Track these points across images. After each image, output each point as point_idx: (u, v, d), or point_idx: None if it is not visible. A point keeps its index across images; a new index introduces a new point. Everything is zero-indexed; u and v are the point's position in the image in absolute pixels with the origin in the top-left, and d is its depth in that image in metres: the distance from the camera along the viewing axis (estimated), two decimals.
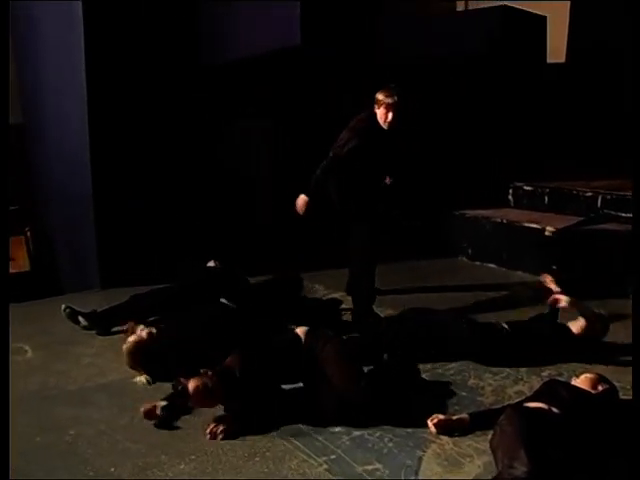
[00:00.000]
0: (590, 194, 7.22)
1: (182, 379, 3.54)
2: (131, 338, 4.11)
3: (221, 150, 6.89)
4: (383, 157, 5.09)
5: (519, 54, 8.47)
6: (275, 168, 7.20)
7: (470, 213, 6.68)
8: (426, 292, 5.86)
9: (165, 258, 6.06)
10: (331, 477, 3.08)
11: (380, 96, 4.84)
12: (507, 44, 8.33)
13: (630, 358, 4.26)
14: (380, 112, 4.87)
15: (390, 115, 4.82)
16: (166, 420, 3.61)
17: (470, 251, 7.11)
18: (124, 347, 4.10)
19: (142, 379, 4.02)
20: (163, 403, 3.67)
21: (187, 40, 6.53)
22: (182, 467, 3.19)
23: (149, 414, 3.58)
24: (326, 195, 5.09)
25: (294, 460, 3.24)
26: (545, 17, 8.99)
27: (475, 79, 7.97)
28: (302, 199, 4.89)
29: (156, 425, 3.58)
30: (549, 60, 9.37)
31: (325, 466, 3.18)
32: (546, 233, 6.53)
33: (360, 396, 3.57)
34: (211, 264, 5.59)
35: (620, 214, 6.91)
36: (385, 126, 4.88)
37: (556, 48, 9.81)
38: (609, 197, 7.08)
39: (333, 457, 3.25)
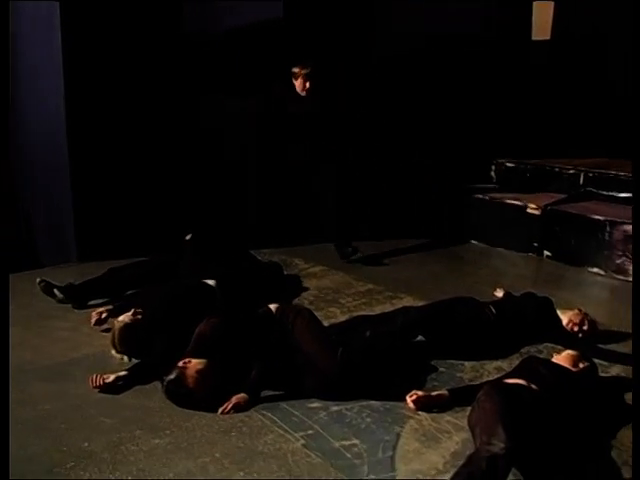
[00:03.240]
0: (572, 171, 7.22)
1: (178, 364, 3.49)
2: (118, 324, 4.03)
3: (205, 123, 6.77)
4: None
5: (504, 30, 8.40)
6: (259, 144, 7.09)
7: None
8: (412, 268, 5.85)
9: (143, 232, 5.96)
10: (308, 452, 3.05)
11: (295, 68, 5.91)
12: (494, 23, 8.27)
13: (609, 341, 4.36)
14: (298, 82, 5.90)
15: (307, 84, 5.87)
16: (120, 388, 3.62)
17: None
18: (112, 333, 4.02)
19: (119, 354, 3.96)
20: (123, 373, 3.66)
21: (170, 11, 6.40)
22: (157, 442, 3.14)
23: (100, 385, 3.59)
24: None
25: (270, 435, 3.20)
26: None
27: (461, 56, 7.90)
28: None
29: (102, 390, 3.58)
30: (534, 38, 9.30)
31: (302, 441, 3.14)
32: (528, 210, 6.52)
33: (335, 366, 3.54)
34: (188, 237, 5.52)
35: (602, 192, 6.92)
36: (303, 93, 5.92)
37: (542, 26, 9.76)
38: (591, 175, 7.08)
39: (310, 432, 3.22)
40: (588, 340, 4.24)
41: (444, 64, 7.72)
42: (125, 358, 3.96)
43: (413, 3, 7.57)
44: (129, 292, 4.91)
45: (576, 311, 4.38)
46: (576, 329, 4.27)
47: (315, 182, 6.08)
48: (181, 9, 6.46)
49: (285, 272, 5.62)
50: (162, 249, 5.33)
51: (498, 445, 2.62)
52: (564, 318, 4.33)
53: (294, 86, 5.98)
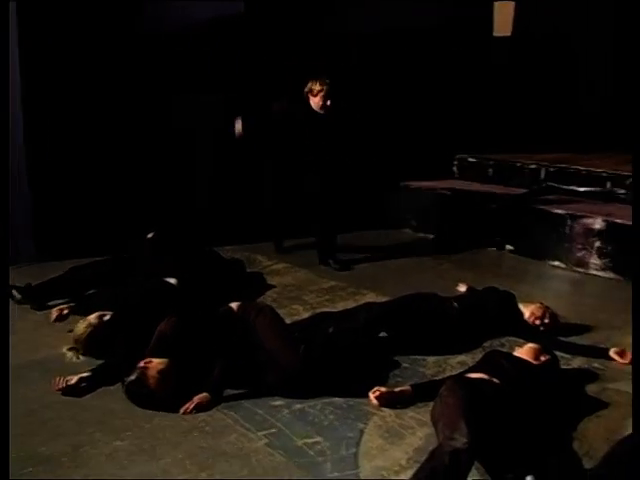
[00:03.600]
0: (534, 166, 7.29)
1: (139, 365, 3.44)
2: (82, 325, 3.96)
3: (164, 121, 6.70)
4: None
5: (465, 25, 8.43)
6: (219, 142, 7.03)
7: (414, 184, 6.66)
8: (373, 263, 5.85)
9: (102, 230, 5.88)
10: (271, 451, 3.02)
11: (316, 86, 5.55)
12: (455, 19, 8.29)
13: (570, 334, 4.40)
14: (316, 99, 5.57)
15: (328, 102, 5.54)
16: (84, 391, 3.56)
17: (414, 222, 7.12)
18: (75, 335, 3.94)
19: (70, 354, 3.87)
20: (86, 374, 3.61)
21: (129, 7, 6.31)
22: (118, 444, 3.09)
23: (63, 387, 3.52)
24: None
25: (233, 434, 3.17)
26: None
27: (422, 51, 7.92)
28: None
29: (65, 394, 3.50)
30: (495, 34, 9.36)
31: (265, 440, 3.11)
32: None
33: (297, 363, 3.52)
34: (150, 235, 5.45)
35: (562, 186, 7.00)
36: (322, 111, 5.60)
37: (503, 23, 9.82)
38: (552, 169, 7.16)
39: (273, 431, 3.19)
40: (550, 333, 4.28)
41: (408, 58, 7.74)
42: (74, 358, 3.86)
43: None
44: (89, 292, 4.83)
45: (538, 304, 4.42)
46: (538, 322, 4.30)
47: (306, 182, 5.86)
48: (141, 7, 6.37)
49: (248, 269, 5.59)
50: (122, 248, 5.25)
51: (460, 440, 2.62)
52: (526, 312, 4.36)
53: (304, 104, 5.67)
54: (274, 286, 5.29)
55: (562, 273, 5.97)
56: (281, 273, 5.61)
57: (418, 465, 2.72)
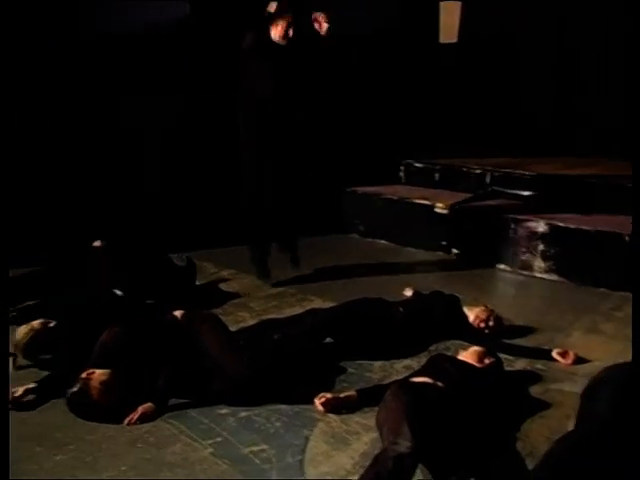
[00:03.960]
0: (479, 171, 7.37)
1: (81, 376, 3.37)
2: (24, 330, 3.87)
3: (112, 123, 6.60)
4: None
5: (412, 32, 8.52)
6: (165, 146, 6.97)
7: (361, 190, 6.69)
8: (321, 268, 5.83)
9: (46, 238, 5.75)
10: (216, 460, 2.99)
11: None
12: (401, 24, 8.37)
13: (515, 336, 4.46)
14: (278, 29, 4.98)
15: (291, 30, 4.96)
16: (33, 404, 3.48)
17: (362, 227, 7.14)
18: (15, 340, 3.85)
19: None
20: (32, 385, 3.53)
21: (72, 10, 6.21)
22: (59, 458, 3.03)
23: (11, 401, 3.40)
24: None
25: (178, 444, 3.13)
26: None
27: (369, 56, 7.97)
28: None
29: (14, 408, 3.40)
30: (442, 41, 9.47)
31: (210, 449, 3.09)
32: (436, 209, 6.62)
33: (242, 370, 3.50)
34: (97, 244, 5.37)
35: (507, 190, 7.09)
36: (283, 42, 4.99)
37: (449, 28, 9.94)
38: (497, 174, 7.25)
39: (219, 440, 3.16)
40: (494, 336, 4.32)
41: (354, 63, 7.78)
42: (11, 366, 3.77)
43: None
44: (30, 302, 4.72)
45: (482, 307, 4.47)
46: (482, 325, 4.35)
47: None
48: (88, 9, 6.30)
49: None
50: (64, 256, 5.15)
51: (404, 444, 2.63)
52: (471, 315, 4.40)
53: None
54: (221, 293, 5.25)
55: (507, 276, 6.05)
56: (228, 280, 5.57)
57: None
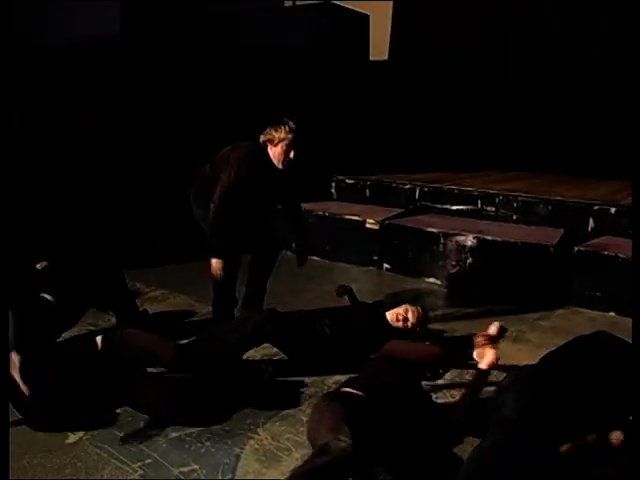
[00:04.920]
0: (409, 187, 7.50)
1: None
2: None
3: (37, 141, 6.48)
4: (269, 194, 4.83)
5: (342, 50, 8.63)
6: (100, 165, 6.86)
7: None
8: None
9: None
10: None
11: (282, 134, 4.51)
12: (330, 40, 8.48)
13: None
14: (277, 150, 4.54)
15: (292, 154, 4.54)
16: None
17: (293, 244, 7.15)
18: None
19: None
20: None
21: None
22: None
23: None
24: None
25: (107, 468, 3.09)
26: (368, 15, 9.24)
27: (299, 72, 8.04)
28: (216, 264, 4.53)
29: None
30: (372, 57, 9.63)
31: (140, 472, 3.05)
32: (367, 225, 6.70)
33: (173, 352, 3.54)
34: (40, 265, 5.22)
35: (436, 205, 7.24)
36: (282, 165, 4.59)
37: (379, 46, 10.12)
38: (426, 189, 7.39)
39: (149, 462, 3.13)
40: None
41: (284, 81, 7.83)
42: None
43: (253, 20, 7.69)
44: None
45: (401, 306, 4.48)
46: (401, 323, 4.35)
47: None
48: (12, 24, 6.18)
49: None
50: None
51: (346, 441, 2.66)
52: (389, 315, 4.42)
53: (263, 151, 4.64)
54: (151, 313, 5.19)
55: (438, 289, 6.16)
56: (159, 299, 5.52)
57: None
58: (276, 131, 4.52)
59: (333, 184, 7.94)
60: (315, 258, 6.93)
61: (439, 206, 7.25)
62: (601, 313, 5.56)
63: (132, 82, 6.62)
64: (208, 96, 6.98)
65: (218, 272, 4.53)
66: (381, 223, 6.69)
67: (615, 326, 5.21)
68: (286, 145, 4.51)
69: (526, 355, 4.51)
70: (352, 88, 8.70)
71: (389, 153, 9.17)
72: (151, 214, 6.64)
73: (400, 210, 7.18)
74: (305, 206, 7.12)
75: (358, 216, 6.87)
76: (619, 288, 5.50)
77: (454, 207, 7.17)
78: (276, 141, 4.52)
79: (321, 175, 7.78)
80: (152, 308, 5.28)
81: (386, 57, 10.71)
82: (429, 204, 7.32)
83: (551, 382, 2.97)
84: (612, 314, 5.52)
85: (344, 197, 7.82)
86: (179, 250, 6.19)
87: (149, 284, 5.82)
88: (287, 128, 4.51)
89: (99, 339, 3.74)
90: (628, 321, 5.22)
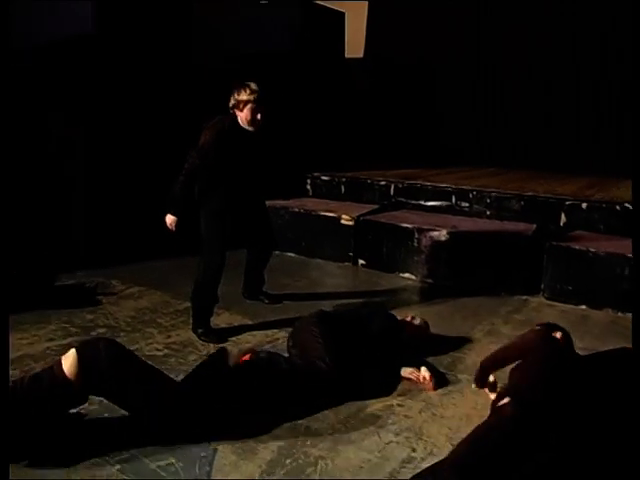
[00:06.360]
0: (384, 183, 7.56)
1: None
2: None
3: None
4: (246, 158, 4.79)
5: (318, 48, 8.67)
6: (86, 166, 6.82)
7: (269, 203, 6.71)
8: (228, 285, 5.83)
9: None
10: (123, 477, 2.97)
11: (244, 96, 4.59)
12: (306, 37, 8.50)
13: None
14: (245, 113, 4.61)
15: (259, 114, 4.62)
16: None
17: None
18: None
19: None
20: None
21: None
22: None
23: None
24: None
25: (85, 463, 3.09)
26: (343, 13, 9.28)
27: (275, 72, 8.06)
28: (171, 219, 4.61)
29: None
30: (347, 55, 9.68)
31: (117, 466, 3.06)
32: (342, 221, 6.75)
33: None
34: None
35: (410, 201, 7.30)
36: (252, 127, 4.67)
37: (354, 43, 10.17)
38: (400, 186, 7.45)
39: (126, 456, 3.13)
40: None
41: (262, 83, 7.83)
42: None
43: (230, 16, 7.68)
44: None
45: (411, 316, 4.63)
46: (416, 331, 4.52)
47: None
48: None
49: (102, 295, 5.47)
50: None
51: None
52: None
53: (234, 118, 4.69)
54: (128, 310, 5.18)
55: (412, 284, 6.22)
56: (135, 297, 5.51)
57: (272, 477, 2.78)
58: (239, 94, 4.61)
59: (309, 181, 7.98)
60: (291, 254, 6.98)
61: (413, 202, 7.32)
62: (573, 306, 5.63)
63: (112, 80, 6.61)
64: (184, 96, 6.98)
65: (171, 227, 4.63)
66: (356, 219, 6.73)
67: (586, 319, 5.33)
68: (251, 107, 4.59)
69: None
70: (327, 86, 8.73)
71: (364, 150, 9.22)
72: (127, 212, 6.62)
73: (375, 206, 7.22)
74: (281, 203, 7.22)
75: (333, 212, 6.90)
76: (590, 282, 5.60)
77: (428, 203, 7.24)
78: (241, 105, 4.61)
79: (297, 172, 7.81)
80: (128, 305, 5.30)
81: (362, 55, 10.78)
82: (404, 200, 7.38)
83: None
84: (583, 307, 5.60)
85: (320, 194, 7.86)
86: (155, 248, 6.17)
87: (125, 281, 5.82)
88: (249, 90, 4.60)
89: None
90: (599, 314, 5.40)
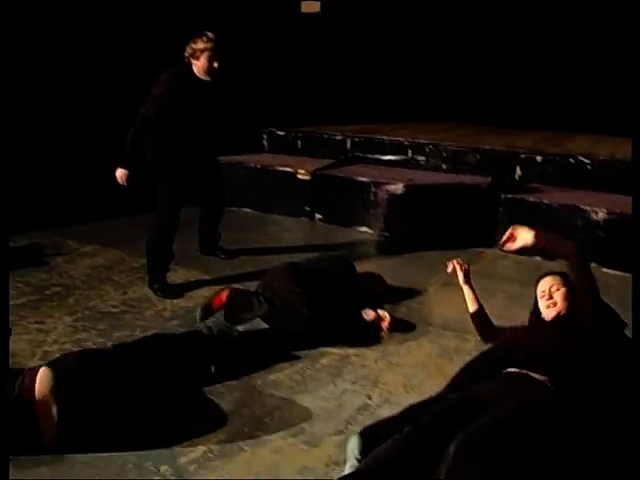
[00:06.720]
0: (340, 138, 7.54)
1: None
2: None
3: None
4: (201, 110, 4.71)
5: (273, 3, 8.52)
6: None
7: (225, 159, 6.67)
8: (185, 241, 5.80)
9: None
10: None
11: (200, 45, 4.50)
12: None
13: None
14: (201, 62, 4.53)
15: (215, 63, 4.53)
16: None
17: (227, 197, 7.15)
18: None
19: None
20: None
21: None
22: None
23: None
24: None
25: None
26: None
27: (231, 27, 7.91)
28: (121, 173, 4.48)
29: None
30: (303, 11, 9.53)
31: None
32: (298, 176, 6.72)
33: None
34: None
35: (367, 155, 7.30)
36: (208, 76, 4.58)
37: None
38: (357, 140, 7.44)
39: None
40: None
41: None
42: None
43: None
44: None
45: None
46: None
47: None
48: None
49: (58, 254, 5.39)
50: None
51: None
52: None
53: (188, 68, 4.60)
54: (83, 268, 5.12)
55: (369, 238, 6.25)
56: (90, 255, 5.44)
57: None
58: (195, 43, 4.52)
59: (265, 136, 7.91)
60: (247, 210, 6.95)
61: (370, 156, 7.31)
62: (527, 258, 5.70)
63: None
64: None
65: (122, 181, 4.51)
66: (313, 174, 6.71)
67: (540, 269, 5.37)
68: (208, 55, 4.52)
69: (454, 299, 4.64)
70: (283, 41, 8.62)
71: (320, 106, 9.15)
72: (82, 169, 6.50)
73: (332, 161, 7.20)
74: (237, 159, 7.16)
75: (290, 167, 6.87)
76: None
77: (385, 157, 7.24)
78: (197, 54, 4.53)
79: (253, 128, 7.74)
80: (83, 264, 5.24)
81: (318, 10, 10.62)
82: (360, 154, 7.37)
83: None
84: (538, 259, 5.67)
85: (276, 149, 7.80)
86: (112, 205, 6.08)
87: (80, 240, 5.74)
88: (206, 38, 4.52)
89: None
90: (552, 265, 5.45)
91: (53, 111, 6.26)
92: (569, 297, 3.04)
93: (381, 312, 4.08)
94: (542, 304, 3.11)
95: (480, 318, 3.64)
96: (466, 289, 3.76)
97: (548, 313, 3.05)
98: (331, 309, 4.05)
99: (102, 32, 6.40)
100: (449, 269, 3.85)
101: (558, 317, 3.02)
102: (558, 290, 3.07)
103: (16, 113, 6.04)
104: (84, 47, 6.28)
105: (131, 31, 4.47)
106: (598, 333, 2.90)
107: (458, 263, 3.83)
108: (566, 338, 2.86)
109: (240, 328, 3.70)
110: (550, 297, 3.07)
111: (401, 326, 4.12)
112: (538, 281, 3.21)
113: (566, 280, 3.09)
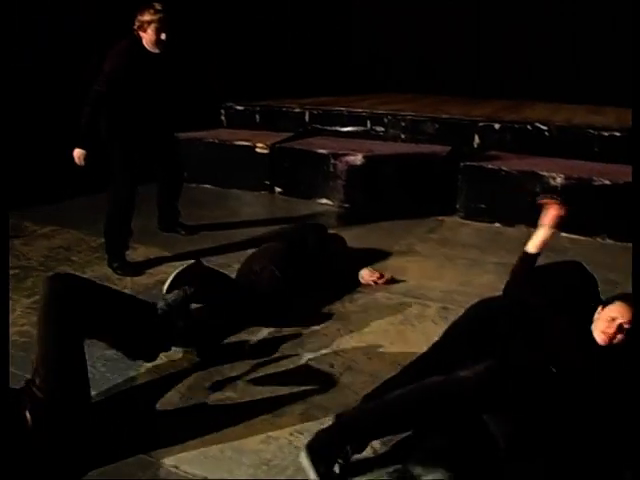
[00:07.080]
0: (298, 110, 7.50)
1: None
2: None
3: None
4: (154, 84, 4.62)
5: None
6: None
7: (183, 135, 6.60)
8: (144, 219, 5.74)
9: None
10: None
11: (147, 16, 4.40)
12: None
13: None
14: (149, 34, 4.43)
15: (163, 35, 4.43)
16: None
17: (185, 173, 7.08)
18: None
19: None
20: None
21: None
22: None
23: None
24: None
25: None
26: None
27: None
28: (78, 153, 4.41)
29: None
30: None
31: None
32: (257, 150, 6.69)
33: None
34: None
35: (326, 127, 7.28)
36: (157, 48, 4.49)
37: None
38: (315, 112, 7.41)
39: None
40: None
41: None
42: None
43: None
44: None
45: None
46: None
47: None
48: None
49: (15, 236, 5.30)
50: None
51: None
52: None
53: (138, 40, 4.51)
54: (41, 250, 5.04)
55: (330, 209, 6.25)
56: (48, 236, 5.36)
57: (190, 401, 2.85)
58: (142, 15, 4.43)
59: (223, 111, 7.84)
60: (207, 186, 6.90)
61: (329, 128, 7.29)
62: (487, 224, 5.76)
63: None
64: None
65: (80, 161, 4.45)
66: (271, 147, 6.67)
67: (500, 236, 5.47)
68: (155, 27, 4.42)
69: (415, 265, 4.68)
70: (239, 14, 8.50)
71: (278, 79, 9.08)
72: (38, 150, 6.38)
73: (290, 134, 7.16)
74: (195, 134, 7.09)
75: (248, 141, 6.82)
76: (503, 200, 5.73)
77: (344, 129, 7.23)
78: (145, 25, 4.43)
79: (210, 103, 7.66)
80: (41, 245, 5.16)
81: None
82: (319, 127, 7.35)
83: None
84: (497, 225, 5.73)
85: (234, 124, 7.74)
86: (69, 186, 6.00)
87: (37, 222, 5.65)
88: (153, 10, 4.43)
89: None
90: (512, 230, 5.54)
91: (53, 111, 6.18)
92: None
93: (375, 272, 4.35)
94: (603, 328, 2.76)
95: (529, 264, 3.30)
96: (545, 231, 3.19)
97: (603, 339, 2.75)
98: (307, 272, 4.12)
99: (102, 32, 6.29)
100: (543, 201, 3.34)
101: (609, 347, 2.76)
102: (628, 326, 2.72)
103: (16, 113, 5.97)
104: (84, 47, 6.18)
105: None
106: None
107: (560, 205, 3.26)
108: (604, 369, 2.72)
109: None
110: (619, 332, 2.72)
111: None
112: (613, 300, 2.82)
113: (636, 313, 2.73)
